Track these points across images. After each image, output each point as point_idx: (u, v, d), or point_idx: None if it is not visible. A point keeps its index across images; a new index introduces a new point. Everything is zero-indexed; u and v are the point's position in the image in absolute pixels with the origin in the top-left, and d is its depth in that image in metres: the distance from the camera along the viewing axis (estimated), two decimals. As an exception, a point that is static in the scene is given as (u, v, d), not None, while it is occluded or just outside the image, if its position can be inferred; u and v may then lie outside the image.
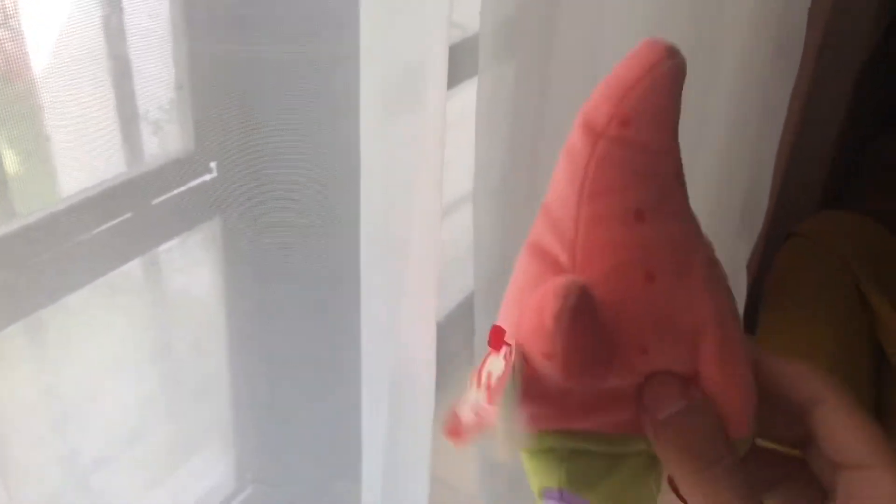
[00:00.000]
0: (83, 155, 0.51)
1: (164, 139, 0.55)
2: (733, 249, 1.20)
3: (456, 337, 0.85)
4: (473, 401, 0.34)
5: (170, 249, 0.58)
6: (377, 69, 0.51)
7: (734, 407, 0.33)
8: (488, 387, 0.33)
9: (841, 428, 0.34)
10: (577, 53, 0.68)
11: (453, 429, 0.35)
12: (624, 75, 0.31)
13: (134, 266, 0.56)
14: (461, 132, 0.65)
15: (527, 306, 0.32)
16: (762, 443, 0.36)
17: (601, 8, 0.69)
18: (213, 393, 0.64)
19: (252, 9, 0.49)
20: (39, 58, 0.44)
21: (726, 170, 1.04)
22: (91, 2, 0.46)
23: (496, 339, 0.33)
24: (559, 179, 0.33)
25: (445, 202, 0.96)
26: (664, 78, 0.30)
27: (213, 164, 0.56)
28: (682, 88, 0.31)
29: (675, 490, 0.34)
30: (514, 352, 0.32)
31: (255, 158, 0.54)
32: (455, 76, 0.70)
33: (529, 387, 0.32)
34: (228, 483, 0.69)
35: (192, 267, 0.61)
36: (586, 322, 0.30)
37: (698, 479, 0.33)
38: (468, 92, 0.64)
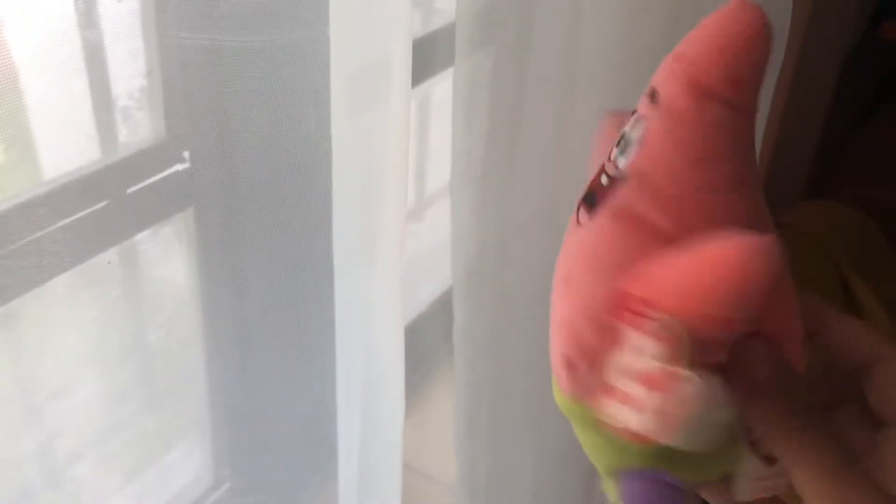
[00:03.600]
0: (53, 143, 0.50)
1: (134, 128, 0.54)
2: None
3: (435, 331, 0.85)
4: (635, 405, 0.30)
5: (142, 241, 0.57)
6: (343, 65, 0.51)
7: (792, 355, 0.34)
8: (645, 380, 0.30)
9: None
10: (555, 42, 0.68)
11: (636, 436, 0.31)
12: (733, 37, 0.30)
13: (108, 257, 0.55)
14: (449, 119, 0.64)
15: (681, 272, 0.29)
16: None
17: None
18: (188, 388, 0.64)
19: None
20: (7, 46, 0.44)
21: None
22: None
23: (631, 308, 0.30)
24: (659, 143, 0.31)
25: (434, 190, 0.96)
26: (767, 41, 0.30)
27: (185, 154, 0.55)
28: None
29: (757, 454, 0.35)
30: (670, 326, 0.29)
31: (228, 148, 0.53)
32: (442, 61, 0.70)
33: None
34: (206, 479, 0.68)
35: (165, 259, 0.60)
36: (776, 279, 0.29)
37: (798, 438, 0.33)
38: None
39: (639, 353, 0.30)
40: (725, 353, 0.32)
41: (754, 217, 0.32)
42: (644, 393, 0.30)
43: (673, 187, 0.31)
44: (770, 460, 0.35)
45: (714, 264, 0.29)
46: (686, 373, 0.29)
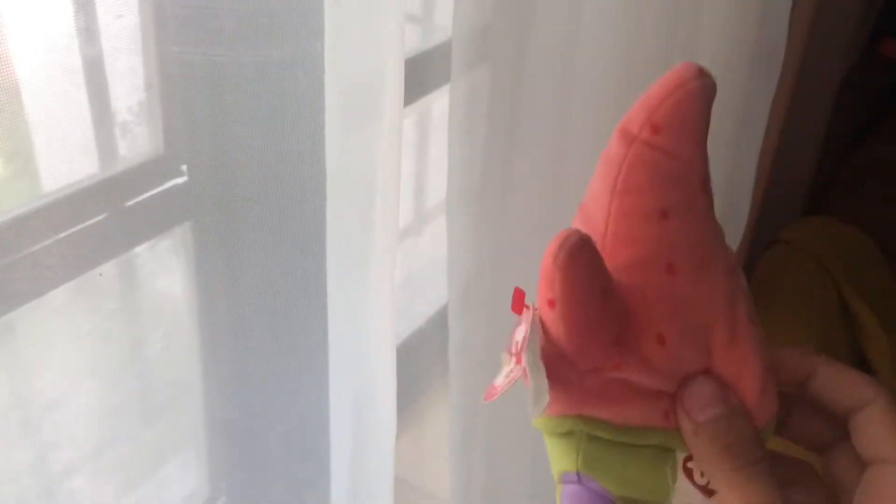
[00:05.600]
0: (52, 156, 0.50)
1: (133, 142, 0.54)
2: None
3: (432, 347, 0.85)
4: (507, 371, 0.36)
5: (140, 254, 0.58)
6: (337, 81, 0.51)
7: (745, 398, 0.36)
8: (515, 350, 0.36)
9: (888, 425, 0.36)
10: (551, 61, 0.68)
11: (488, 395, 0.38)
12: (658, 89, 0.34)
13: (103, 270, 0.55)
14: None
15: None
16: (773, 446, 0.38)
17: (576, 16, 0.69)
18: (184, 402, 0.64)
19: (220, 12, 0.49)
20: (7, 60, 0.44)
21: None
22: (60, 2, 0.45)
23: (517, 302, 0.36)
24: (595, 180, 0.36)
25: (433, 205, 0.96)
26: (694, 93, 0.34)
27: (183, 168, 0.55)
28: (710, 105, 0.35)
29: (693, 481, 0.37)
30: (531, 310, 0.35)
31: (225, 162, 0.53)
32: (441, 77, 0.70)
33: (549, 360, 0.35)
34: (202, 493, 0.68)
35: (162, 272, 0.60)
36: (582, 264, 0.33)
37: (734, 477, 0.35)
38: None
39: (518, 332, 0.36)
40: (663, 380, 0.35)
41: (682, 241, 0.35)
42: (505, 360, 0.37)
43: (599, 215, 0.35)
44: (707, 491, 0.36)
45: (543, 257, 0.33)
46: (523, 356, 0.35)
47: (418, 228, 0.98)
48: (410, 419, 0.92)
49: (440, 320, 0.81)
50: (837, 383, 0.38)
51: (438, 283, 0.79)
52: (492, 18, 0.61)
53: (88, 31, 0.47)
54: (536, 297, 0.35)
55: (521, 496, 0.89)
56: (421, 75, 0.71)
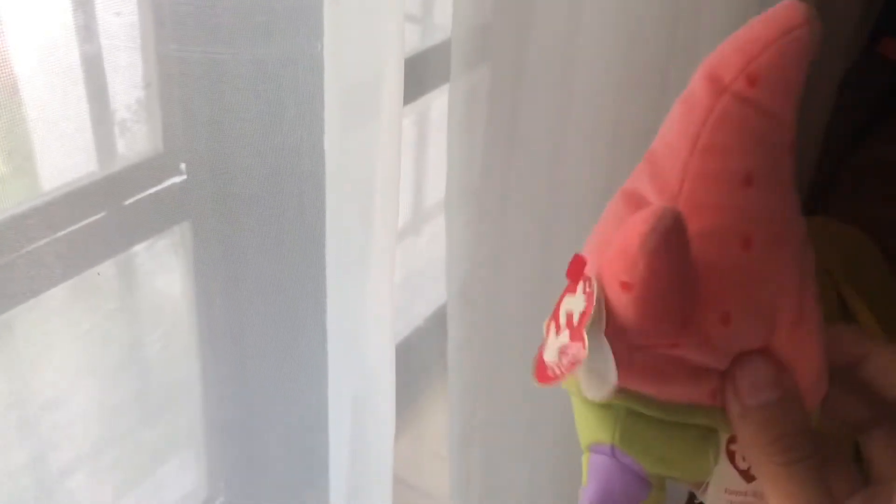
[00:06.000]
0: (51, 154, 0.50)
1: (131, 140, 0.54)
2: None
3: (431, 346, 0.85)
4: (558, 343, 0.32)
5: (138, 253, 0.57)
6: (336, 80, 0.51)
7: (802, 381, 0.33)
8: (570, 325, 0.32)
9: None
10: (551, 60, 0.68)
11: (541, 374, 0.34)
12: (759, 33, 0.30)
13: (102, 269, 0.55)
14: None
15: (614, 236, 0.30)
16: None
17: (576, 16, 0.68)
18: (183, 402, 0.63)
19: (220, 9, 0.48)
20: (6, 58, 0.44)
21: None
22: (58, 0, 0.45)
23: (576, 269, 0.32)
24: (672, 128, 0.32)
25: (433, 204, 0.96)
26: (799, 43, 0.30)
27: (182, 167, 0.55)
28: (811, 58, 0.30)
29: (735, 465, 0.34)
30: (594, 284, 0.31)
31: (224, 161, 0.53)
32: (440, 76, 0.70)
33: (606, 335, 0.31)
34: (200, 492, 0.68)
35: (161, 271, 0.60)
36: (673, 252, 0.29)
37: (782, 471, 0.32)
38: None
39: (572, 303, 0.32)
40: (718, 358, 0.32)
41: (762, 212, 0.31)
42: (561, 334, 0.32)
43: (673, 171, 0.31)
44: (748, 476, 0.34)
45: (623, 231, 0.30)
46: (585, 328, 0.30)
47: (417, 227, 0.97)
48: (409, 418, 0.92)
49: (439, 320, 0.81)
50: (891, 369, 0.35)
51: (437, 283, 0.79)
52: (491, 18, 0.61)
53: (87, 28, 0.47)
54: (600, 269, 0.31)
55: (520, 495, 0.89)
56: (420, 74, 0.71)
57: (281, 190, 0.55)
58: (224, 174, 0.54)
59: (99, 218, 0.52)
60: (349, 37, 0.50)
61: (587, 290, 0.31)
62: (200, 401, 0.63)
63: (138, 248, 0.57)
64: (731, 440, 0.34)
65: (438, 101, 0.77)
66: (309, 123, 0.53)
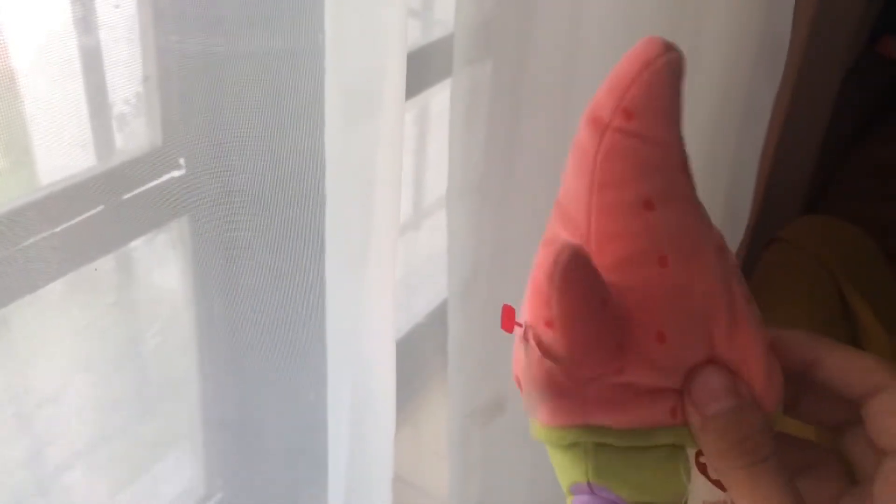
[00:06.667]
0: (49, 148, 0.50)
1: (130, 134, 0.54)
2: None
3: (430, 342, 0.85)
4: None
5: (137, 248, 0.57)
6: (337, 74, 0.51)
7: (753, 384, 0.34)
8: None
9: None
10: (553, 55, 0.68)
11: (507, 322, 0.36)
12: (626, 70, 0.32)
13: (101, 265, 0.55)
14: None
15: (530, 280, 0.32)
16: (785, 428, 0.37)
17: (578, 11, 0.68)
18: (180, 398, 0.63)
19: (219, 1, 0.48)
20: (3, 50, 0.43)
21: (707, 174, 1.04)
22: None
23: (507, 319, 0.34)
24: (570, 175, 0.34)
25: (433, 200, 0.95)
26: (663, 72, 0.32)
27: (181, 161, 0.55)
28: (681, 82, 0.32)
29: (707, 476, 0.35)
30: (526, 330, 0.33)
31: (224, 156, 0.53)
32: (441, 71, 0.70)
33: (548, 375, 0.33)
34: (197, 489, 0.67)
35: (159, 266, 0.60)
36: (582, 281, 0.31)
37: (745, 474, 0.33)
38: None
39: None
40: (667, 376, 0.34)
41: (670, 230, 0.33)
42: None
43: (579, 213, 0.33)
44: (722, 485, 0.35)
45: (533, 272, 0.32)
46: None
47: (418, 223, 0.97)
48: (408, 415, 0.91)
49: (439, 316, 0.80)
50: (847, 368, 0.36)
51: (438, 279, 0.79)
52: (494, 13, 0.61)
53: (85, 21, 0.47)
54: (524, 311, 0.33)
55: (519, 494, 0.89)
56: (419, 70, 0.71)
57: (281, 185, 0.54)
58: (224, 169, 0.53)
59: (97, 212, 0.52)
60: (351, 30, 0.50)
61: (521, 336, 0.33)
62: (198, 396, 0.63)
63: (137, 242, 0.57)
64: (699, 453, 0.35)
65: (440, 97, 0.77)
66: (310, 117, 0.53)
